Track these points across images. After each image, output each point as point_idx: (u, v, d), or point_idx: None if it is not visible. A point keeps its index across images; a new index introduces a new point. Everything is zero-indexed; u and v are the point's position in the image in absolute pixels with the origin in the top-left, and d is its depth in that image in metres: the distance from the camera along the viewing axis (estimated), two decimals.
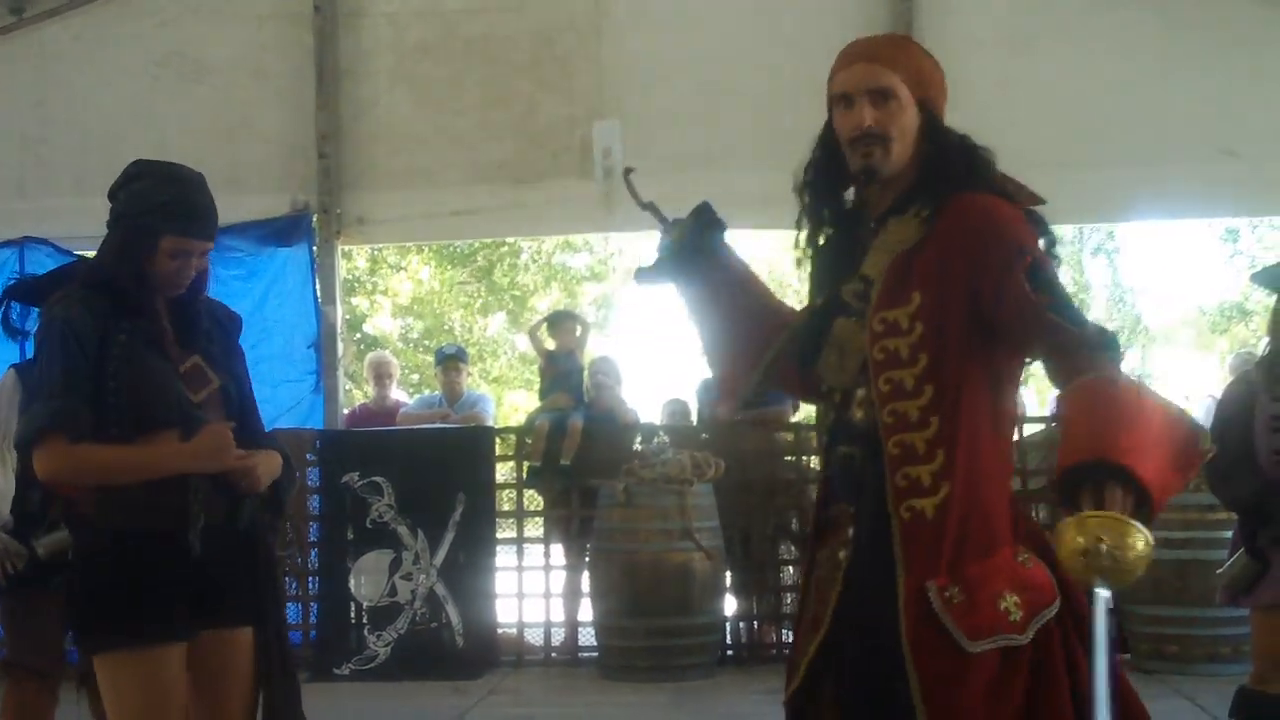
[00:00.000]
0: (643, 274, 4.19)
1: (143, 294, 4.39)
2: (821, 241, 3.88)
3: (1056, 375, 3.50)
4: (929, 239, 3.58)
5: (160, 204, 4.35)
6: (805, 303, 3.92)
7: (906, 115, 3.66)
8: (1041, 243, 3.61)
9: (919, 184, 3.67)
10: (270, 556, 4.51)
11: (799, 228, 3.89)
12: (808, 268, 3.91)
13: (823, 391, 3.77)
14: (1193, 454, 3.39)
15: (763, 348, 3.96)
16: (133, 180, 4.46)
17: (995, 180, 3.69)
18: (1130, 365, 30.59)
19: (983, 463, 3.53)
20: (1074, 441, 3.30)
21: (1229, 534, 6.82)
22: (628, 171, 4.43)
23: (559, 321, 12.53)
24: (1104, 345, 3.41)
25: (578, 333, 12.24)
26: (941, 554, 3.46)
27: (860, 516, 3.62)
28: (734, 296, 4.05)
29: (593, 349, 13.01)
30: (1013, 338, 3.54)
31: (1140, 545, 3.10)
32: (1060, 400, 3.53)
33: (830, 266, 3.80)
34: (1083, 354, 3.39)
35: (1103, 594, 3.16)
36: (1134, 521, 3.13)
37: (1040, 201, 3.74)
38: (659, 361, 36.95)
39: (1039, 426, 11.11)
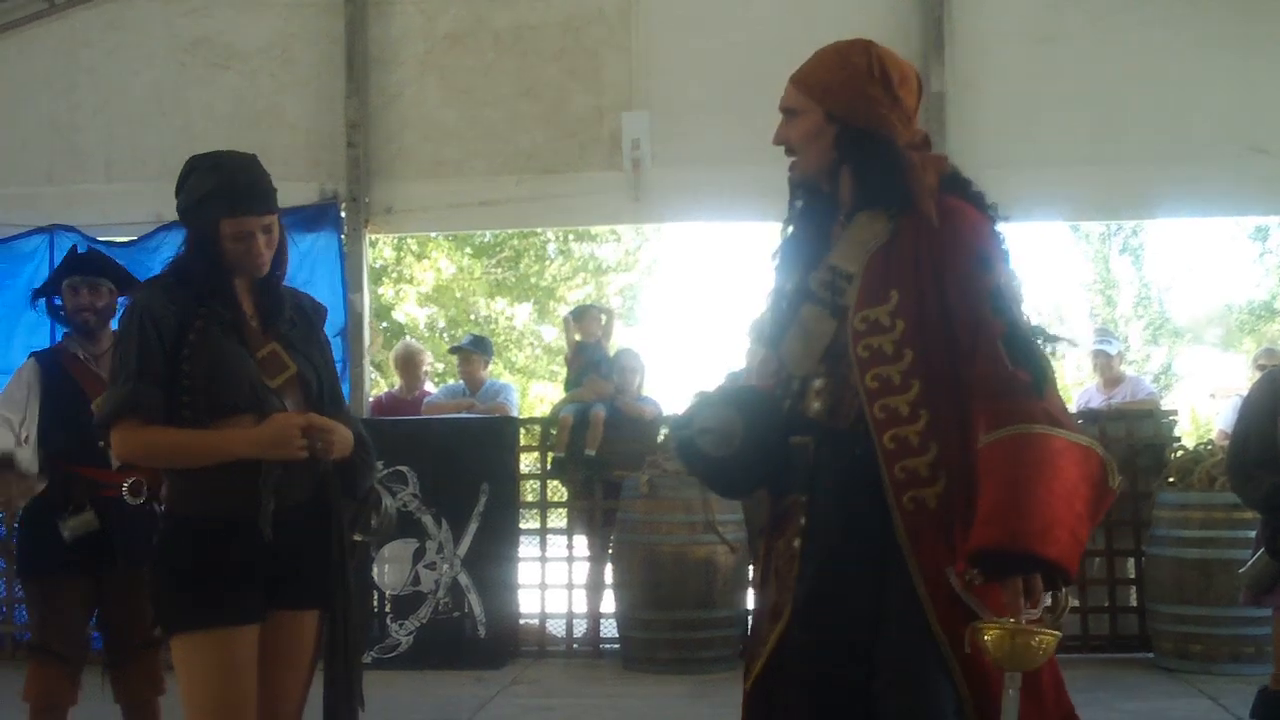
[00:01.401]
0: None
1: (220, 281, 4.48)
2: (790, 230, 3.98)
3: (980, 411, 3.55)
4: (898, 236, 3.70)
5: (208, 193, 4.42)
6: (770, 289, 3.99)
7: (808, 127, 3.83)
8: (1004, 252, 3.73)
9: (867, 185, 3.80)
10: (343, 541, 4.54)
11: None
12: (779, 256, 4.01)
13: (783, 379, 3.85)
14: (1105, 491, 3.55)
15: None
16: (186, 178, 4.52)
17: (915, 179, 3.76)
18: (1156, 364, 30.44)
19: (970, 450, 3.58)
20: (989, 516, 3.42)
21: (1252, 533, 6.81)
22: None
23: (583, 313, 12.54)
24: (1033, 390, 3.52)
25: (603, 322, 12.25)
26: (952, 541, 3.55)
27: (818, 507, 3.70)
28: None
29: (618, 340, 12.99)
30: (961, 345, 3.61)
31: (1048, 640, 3.36)
32: (979, 453, 3.53)
33: (797, 254, 3.90)
34: (1008, 400, 3.51)
35: (1016, 677, 3.38)
36: (1040, 630, 3.35)
37: (996, 210, 3.85)
38: (686, 352, 37.06)
39: None
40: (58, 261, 9.91)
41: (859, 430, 3.64)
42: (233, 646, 4.33)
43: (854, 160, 3.79)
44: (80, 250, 7.30)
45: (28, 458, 6.55)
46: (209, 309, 4.41)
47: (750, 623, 3.75)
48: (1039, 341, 3.63)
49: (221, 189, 4.41)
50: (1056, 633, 3.39)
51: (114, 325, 6.55)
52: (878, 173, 3.77)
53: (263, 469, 4.34)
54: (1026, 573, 3.38)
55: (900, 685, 3.55)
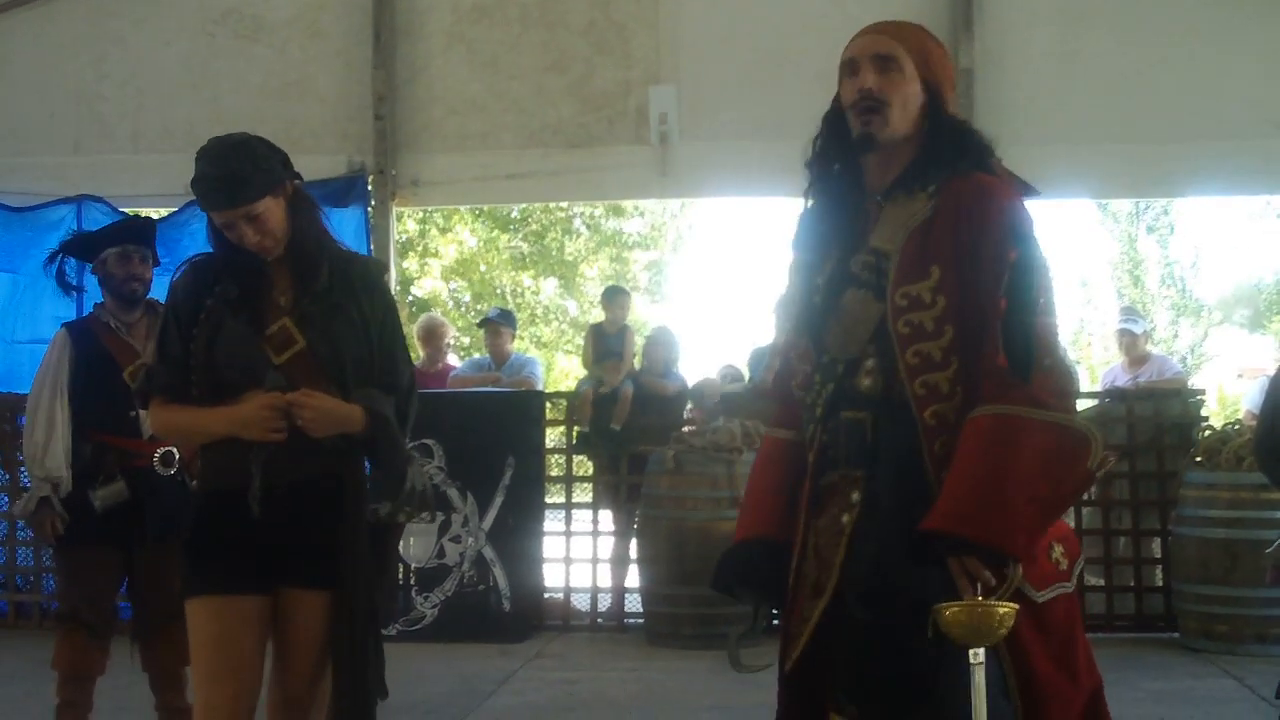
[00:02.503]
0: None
1: (233, 259, 4.53)
2: (813, 211, 3.90)
3: (975, 389, 3.58)
4: (937, 214, 3.64)
5: (192, 184, 4.47)
6: (795, 272, 3.91)
7: (909, 87, 3.72)
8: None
9: (922, 161, 3.73)
10: (358, 520, 4.52)
11: (806, 199, 3.92)
12: (803, 237, 3.92)
13: (822, 362, 3.75)
14: (1077, 471, 3.55)
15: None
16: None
17: (994, 165, 3.76)
18: (1184, 343, 30.33)
19: None
20: (950, 499, 3.45)
21: (1279, 514, 6.80)
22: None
23: (611, 295, 12.54)
24: (1011, 374, 3.51)
25: (629, 308, 12.24)
26: None
27: (875, 481, 3.65)
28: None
29: (648, 319, 13.01)
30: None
31: (1007, 613, 3.36)
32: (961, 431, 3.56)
33: (831, 238, 3.80)
34: (987, 383, 3.53)
35: (979, 652, 3.37)
36: (996, 604, 3.35)
37: (1034, 191, 3.84)
38: (712, 328, 37.04)
39: (1091, 402, 11.05)
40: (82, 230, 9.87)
41: (909, 406, 3.61)
42: (226, 614, 4.41)
43: (946, 132, 3.75)
44: (127, 219, 7.29)
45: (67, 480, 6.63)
46: (221, 287, 4.48)
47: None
48: (1043, 320, 3.57)
49: (198, 181, 4.44)
50: (1014, 605, 3.37)
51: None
52: (959, 147, 3.74)
53: (253, 446, 4.40)
54: (960, 554, 3.40)
55: (878, 659, 3.55)
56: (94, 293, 6.91)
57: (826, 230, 3.82)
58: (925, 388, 3.58)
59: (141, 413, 6.24)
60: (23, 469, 11.23)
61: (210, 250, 4.62)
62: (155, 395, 4.54)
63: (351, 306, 4.61)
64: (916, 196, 3.70)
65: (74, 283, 7.01)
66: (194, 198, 4.55)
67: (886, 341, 3.63)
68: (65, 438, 6.57)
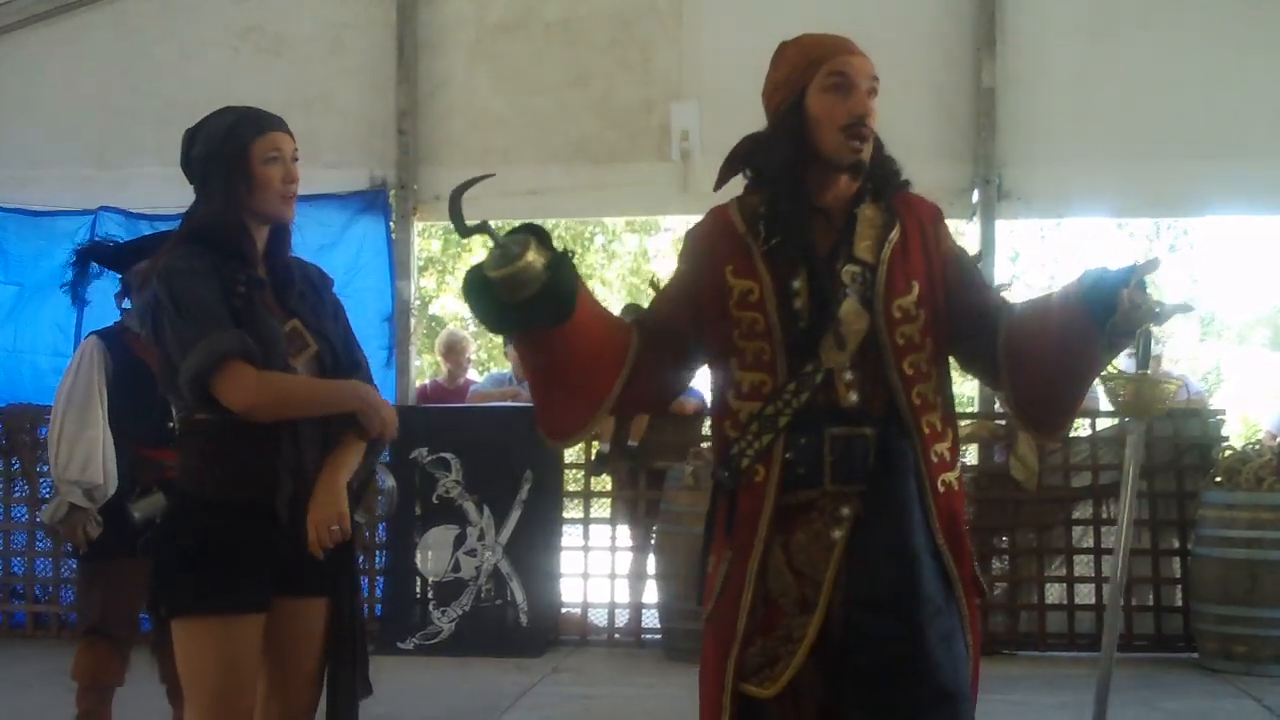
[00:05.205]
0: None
1: (247, 245, 4.36)
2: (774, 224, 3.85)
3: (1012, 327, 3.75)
4: (906, 231, 3.78)
5: (230, 124, 4.40)
6: (739, 280, 3.81)
7: (876, 112, 3.83)
8: None
9: (879, 176, 3.83)
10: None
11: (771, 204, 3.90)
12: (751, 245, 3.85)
13: (804, 372, 3.68)
14: None
15: (603, 390, 3.82)
16: (196, 134, 4.50)
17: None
18: (1204, 364, 30.24)
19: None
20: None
21: None
22: (459, 194, 3.78)
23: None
24: None
25: None
26: (962, 524, 3.77)
27: (876, 495, 3.66)
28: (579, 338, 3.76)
29: None
30: (966, 327, 3.81)
31: (1172, 387, 3.43)
32: (1033, 307, 3.83)
33: (795, 245, 3.75)
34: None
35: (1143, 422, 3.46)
36: (1166, 378, 3.49)
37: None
38: None
39: (1111, 421, 11.02)
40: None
41: (895, 419, 3.69)
42: (234, 635, 4.21)
43: (883, 151, 3.86)
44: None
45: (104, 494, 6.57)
46: (248, 276, 4.29)
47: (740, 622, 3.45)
48: None
49: (243, 116, 4.41)
50: (1180, 380, 3.58)
51: None
52: (893, 171, 3.86)
53: (281, 450, 4.22)
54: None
55: (895, 667, 3.58)
56: (98, 304, 6.85)
57: (794, 237, 3.77)
58: (920, 397, 3.69)
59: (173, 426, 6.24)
60: (43, 480, 11.25)
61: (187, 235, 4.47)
62: (241, 359, 4.11)
63: (324, 307, 4.57)
64: (879, 211, 3.80)
65: (81, 292, 6.89)
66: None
67: (866, 353, 3.69)
68: (107, 445, 6.52)
